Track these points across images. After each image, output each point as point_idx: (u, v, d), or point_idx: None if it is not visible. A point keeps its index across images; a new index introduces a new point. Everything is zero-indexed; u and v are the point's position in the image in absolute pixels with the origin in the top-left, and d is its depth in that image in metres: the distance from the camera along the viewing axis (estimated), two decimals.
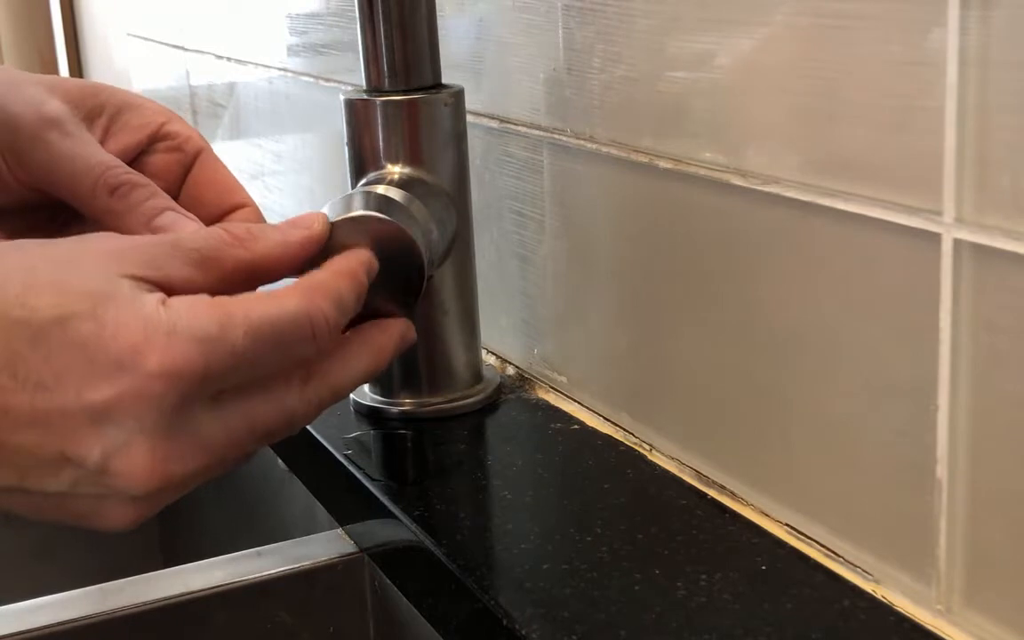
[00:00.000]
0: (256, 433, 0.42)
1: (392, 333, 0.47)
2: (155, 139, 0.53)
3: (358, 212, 0.51)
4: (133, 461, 0.39)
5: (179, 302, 0.40)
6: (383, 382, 0.62)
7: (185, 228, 0.49)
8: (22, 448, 0.38)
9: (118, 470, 0.38)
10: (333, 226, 0.50)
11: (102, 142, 0.51)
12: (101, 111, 0.52)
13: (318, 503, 0.63)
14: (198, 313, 0.39)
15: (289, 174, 0.98)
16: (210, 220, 0.52)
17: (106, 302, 0.39)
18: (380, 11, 0.58)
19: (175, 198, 0.52)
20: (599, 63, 0.55)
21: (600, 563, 0.46)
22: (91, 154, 0.50)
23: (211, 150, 0.54)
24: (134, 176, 0.50)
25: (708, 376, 0.51)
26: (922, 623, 0.41)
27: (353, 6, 0.58)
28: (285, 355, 0.42)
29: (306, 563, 0.57)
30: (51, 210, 0.51)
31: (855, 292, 0.43)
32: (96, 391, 0.38)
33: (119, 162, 0.50)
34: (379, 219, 0.51)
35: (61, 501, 0.40)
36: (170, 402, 0.39)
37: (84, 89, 0.52)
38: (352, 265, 0.45)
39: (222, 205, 0.53)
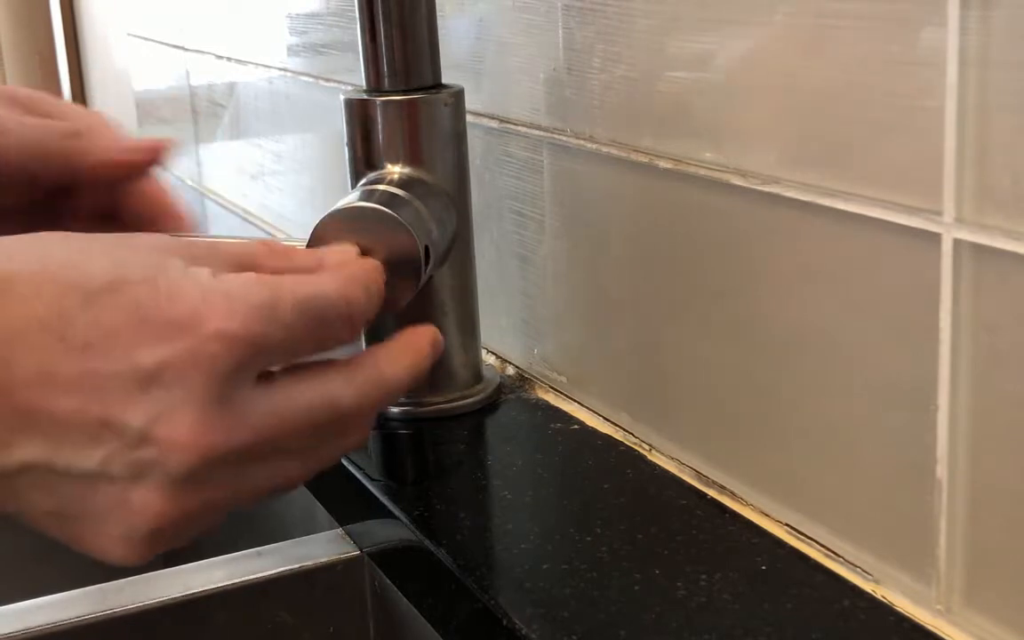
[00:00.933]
0: (299, 419, 0.41)
1: (427, 336, 0.48)
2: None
3: (356, 204, 0.51)
4: (178, 428, 0.38)
5: (230, 275, 0.40)
6: None
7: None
8: (61, 415, 0.37)
9: (160, 436, 0.38)
10: (330, 216, 0.50)
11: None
12: None
13: (318, 503, 0.63)
14: (250, 284, 0.40)
15: (289, 174, 0.98)
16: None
17: (159, 271, 0.39)
18: (380, 11, 0.58)
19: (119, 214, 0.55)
20: (599, 63, 0.55)
21: (600, 563, 0.46)
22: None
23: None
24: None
25: (708, 376, 0.51)
26: (922, 623, 0.41)
27: (353, 6, 0.58)
28: (326, 335, 0.42)
29: (306, 563, 0.57)
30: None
31: (855, 292, 0.43)
32: (149, 353, 0.37)
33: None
34: (374, 210, 0.51)
35: (86, 488, 0.38)
36: (224, 367, 0.38)
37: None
38: (368, 267, 0.46)
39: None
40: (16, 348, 0.37)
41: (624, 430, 0.57)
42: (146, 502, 0.39)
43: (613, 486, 0.53)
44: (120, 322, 0.38)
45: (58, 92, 2.00)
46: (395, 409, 0.61)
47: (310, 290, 0.41)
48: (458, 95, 0.60)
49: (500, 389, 0.64)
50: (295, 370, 0.42)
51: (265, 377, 0.41)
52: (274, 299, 0.40)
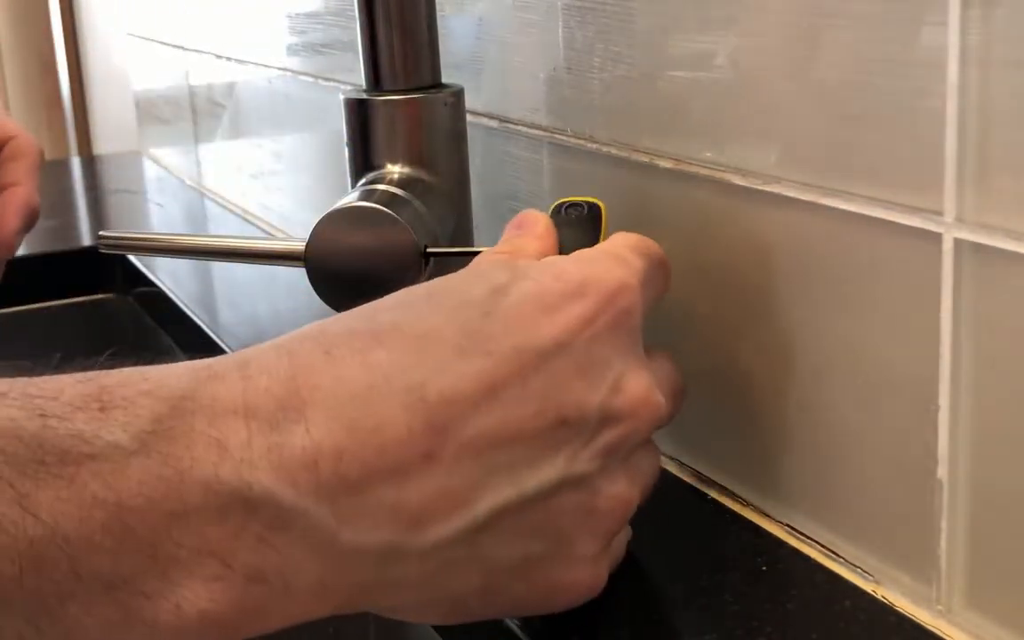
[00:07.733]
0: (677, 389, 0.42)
1: None
2: None
3: (355, 204, 0.51)
4: (635, 388, 0.35)
5: (584, 253, 0.39)
6: None
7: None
8: (518, 431, 0.33)
9: (622, 406, 0.35)
10: (330, 216, 0.50)
11: None
12: None
13: None
14: (609, 246, 0.40)
15: (289, 174, 0.98)
16: None
17: (523, 272, 0.36)
18: (380, 11, 0.58)
19: None
20: (599, 63, 0.55)
21: None
22: None
23: None
24: None
25: (708, 377, 0.51)
26: (922, 623, 0.41)
27: (353, 6, 0.58)
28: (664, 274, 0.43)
29: None
30: None
31: (855, 292, 0.43)
32: (563, 328, 0.34)
33: None
34: (374, 210, 0.51)
35: (549, 507, 0.34)
36: (637, 318, 0.37)
37: None
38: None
39: None
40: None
41: None
42: (613, 493, 0.36)
43: None
44: (527, 313, 0.34)
45: (58, 92, 2.00)
46: None
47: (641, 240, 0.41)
48: (458, 95, 0.60)
49: None
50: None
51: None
52: (642, 245, 0.40)
